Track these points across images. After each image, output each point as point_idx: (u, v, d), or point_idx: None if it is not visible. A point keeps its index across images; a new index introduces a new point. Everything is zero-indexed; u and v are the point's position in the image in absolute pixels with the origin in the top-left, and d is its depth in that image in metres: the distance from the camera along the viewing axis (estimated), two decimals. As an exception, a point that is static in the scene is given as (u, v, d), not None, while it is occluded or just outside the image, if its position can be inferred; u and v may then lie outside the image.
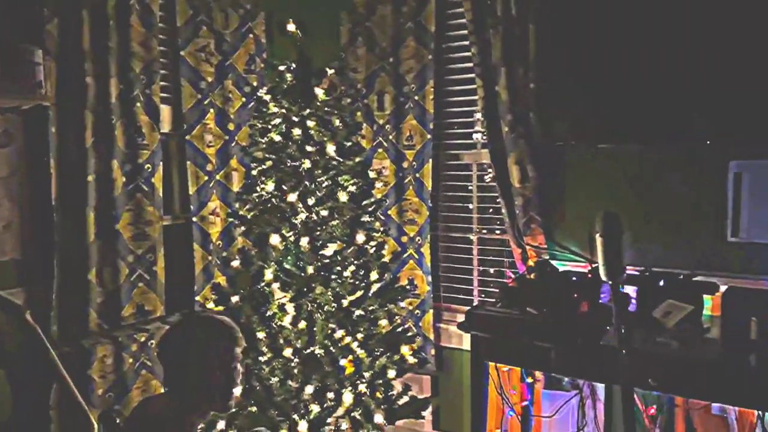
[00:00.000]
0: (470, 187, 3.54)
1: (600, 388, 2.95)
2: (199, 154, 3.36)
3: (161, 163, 3.13)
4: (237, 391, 1.96)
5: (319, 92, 2.99)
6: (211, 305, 3.08)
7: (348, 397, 2.83)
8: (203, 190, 3.38)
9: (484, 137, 3.26)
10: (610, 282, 2.20)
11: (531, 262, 3.07)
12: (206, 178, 3.39)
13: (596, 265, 1.97)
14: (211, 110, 3.39)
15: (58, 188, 2.72)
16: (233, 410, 2.80)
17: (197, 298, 3.35)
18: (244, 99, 3.54)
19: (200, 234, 3.38)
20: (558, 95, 3.02)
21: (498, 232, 3.49)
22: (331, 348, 2.82)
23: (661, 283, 2.64)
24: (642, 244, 2.91)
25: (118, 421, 2.60)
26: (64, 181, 2.75)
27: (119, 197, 2.93)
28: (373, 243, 3.08)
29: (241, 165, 3.50)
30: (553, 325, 2.42)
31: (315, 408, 2.79)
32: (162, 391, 1.97)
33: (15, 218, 2.63)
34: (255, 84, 3.57)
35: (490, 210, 3.51)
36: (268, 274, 2.90)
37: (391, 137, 3.53)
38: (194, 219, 3.36)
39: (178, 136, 3.35)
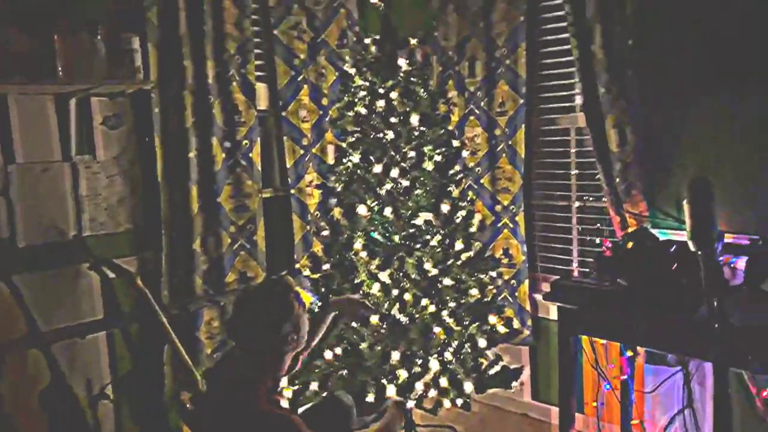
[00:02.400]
0: (569, 153, 3.39)
1: (708, 365, 2.75)
2: (295, 129, 3.48)
3: (259, 139, 3.28)
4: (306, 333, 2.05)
5: (402, 63, 2.98)
6: (307, 272, 3.23)
7: (434, 364, 2.86)
8: (300, 164, 3.51)
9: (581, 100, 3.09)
10: (699, 252, 2.06)
11: (629, 230, 2.90)
12: (302, 151, 3.51)
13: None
14: (305, 86, 3.49)
15: (163, 165, 2.95)
16: (325, 372, 2.93)
17: (297, 266, 3.51)
18: (337, 74, 3.60)
19: (298, 205, 3.52)
20: (660, 50, 2.81)
21: (604, 199, 3.30)
22: (416, 315, 2.85)
23: (776, 252, 2.42)
24: (756, 210, 2.65)
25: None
26: (169, 158, 2.97)
27: (220, 172, 3.12)
28: (462, 213, 3.06)
29: (336, 138, 3.58)
30: (641, 297, 2.28)
31: (403, 373, 2.84)
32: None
33: (127, 193, 2.89)
34: (347, 58, 3.61)
35: (597, 177, 3.32)
36: (357, 244, 2.97)
37: (482, 104, 3.45)
38: (292, 191, 3.50)
39: (275, 113, 3.49)
